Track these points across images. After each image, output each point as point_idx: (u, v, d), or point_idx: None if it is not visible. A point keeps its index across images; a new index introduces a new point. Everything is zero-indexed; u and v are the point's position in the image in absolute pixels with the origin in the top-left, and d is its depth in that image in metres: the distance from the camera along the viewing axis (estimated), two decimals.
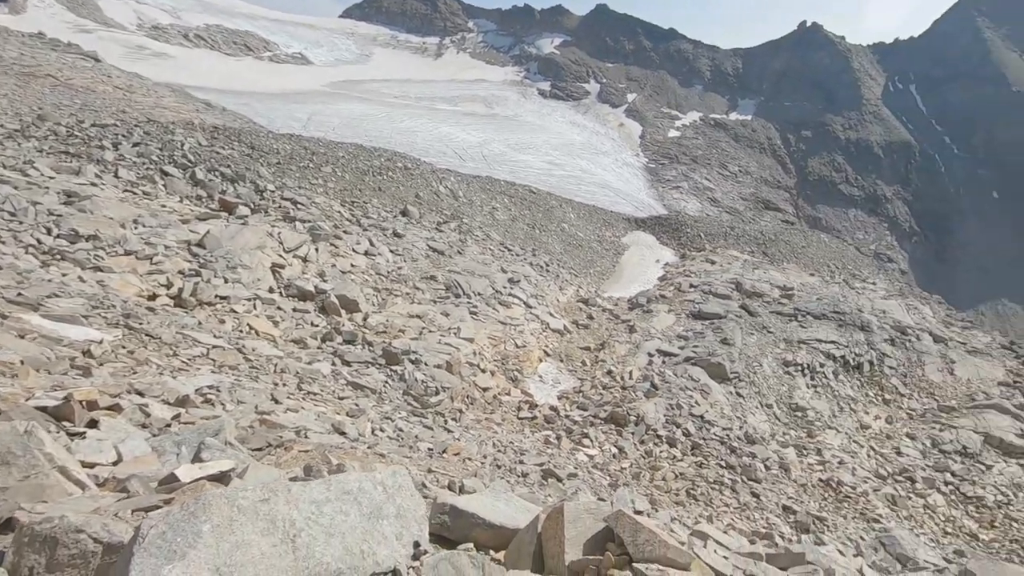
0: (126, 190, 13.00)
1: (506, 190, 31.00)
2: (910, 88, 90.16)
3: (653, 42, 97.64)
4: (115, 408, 3.14)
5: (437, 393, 9.70)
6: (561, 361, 14.70)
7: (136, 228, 10.81)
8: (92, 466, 2.47)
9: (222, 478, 2.29)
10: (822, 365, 15.89)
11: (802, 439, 12.95)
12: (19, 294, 5.03)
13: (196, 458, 2.57)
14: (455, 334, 12.55)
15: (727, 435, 11.52)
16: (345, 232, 15.62)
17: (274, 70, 72.62)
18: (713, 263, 27.33)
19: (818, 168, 74.84)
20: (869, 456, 12.91)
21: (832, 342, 16.95)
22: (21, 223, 8.90)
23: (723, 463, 10.33)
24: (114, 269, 8.81)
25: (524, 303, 16.51)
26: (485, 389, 11.40)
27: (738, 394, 13.90)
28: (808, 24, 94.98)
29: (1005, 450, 13.31)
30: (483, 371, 11.91)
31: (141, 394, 3.48)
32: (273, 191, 16.37)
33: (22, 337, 3.73)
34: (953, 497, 11.41)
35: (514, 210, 28.20)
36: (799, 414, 14.01)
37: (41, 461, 1.99)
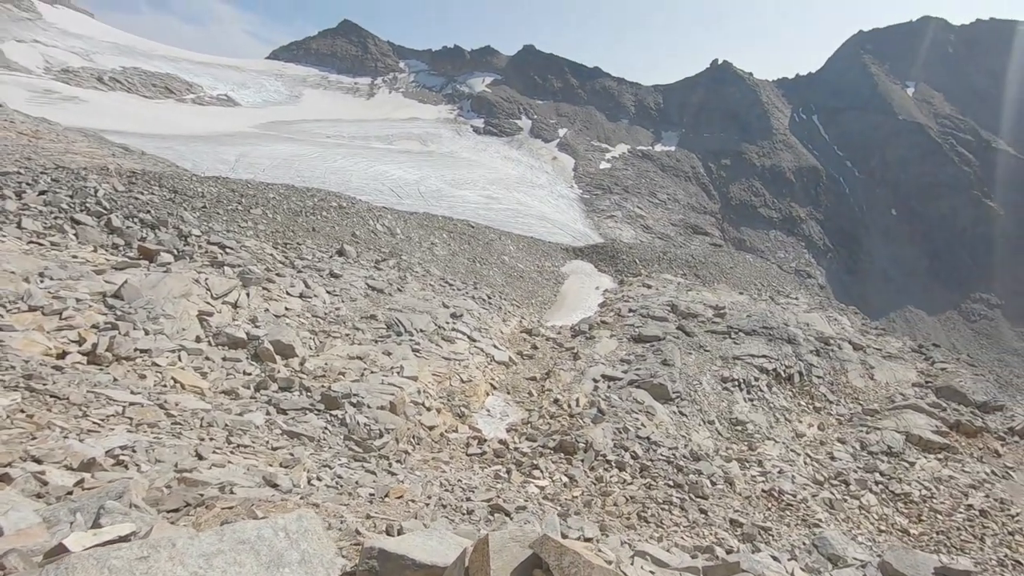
0: (31, 241, 12.08)
1: (444, 225, 31.09)
2: (813, 118, 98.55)
3: (579, 79, 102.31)
4: (3, 479, 2.81)
5: (381, 436, 9.38)
6: (508, 393, 14.61)
7: (42, 281, 10.03)
8: None
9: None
10: (756, 379, 16.60)
11: (744, 452, 13.37)
12: None
13: (94, 524, 2.32)
14: (398, 373, 12.26)
15: (673, 454, 11.73)
16: (278, 275, 15.09)
17: (198, 112, 70.47)
18: (649, 287, 28.26)
19: (739, 193, 79.72)
20: (806, 463, 13.48)
21: (764, 356, 17.78)
22: None
23: (671, 482, 10.48)
24: (15, 327, 8.08)
25: (468, 337, 16.40)
26: (431, 428, 11.13)
27: (681, 413, 14.25)
28: (719, 62, 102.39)
29: (924, 447, 14.26)
30: (429, 409, 11.65)
31: (38, 461, 3.13)
32: (199, 236, 15.66)
33: None
34: (884, 496, 12.04)
35: (453, 245, 28.25)
36: (739, 428, 14.50)
37: None
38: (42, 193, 14.54)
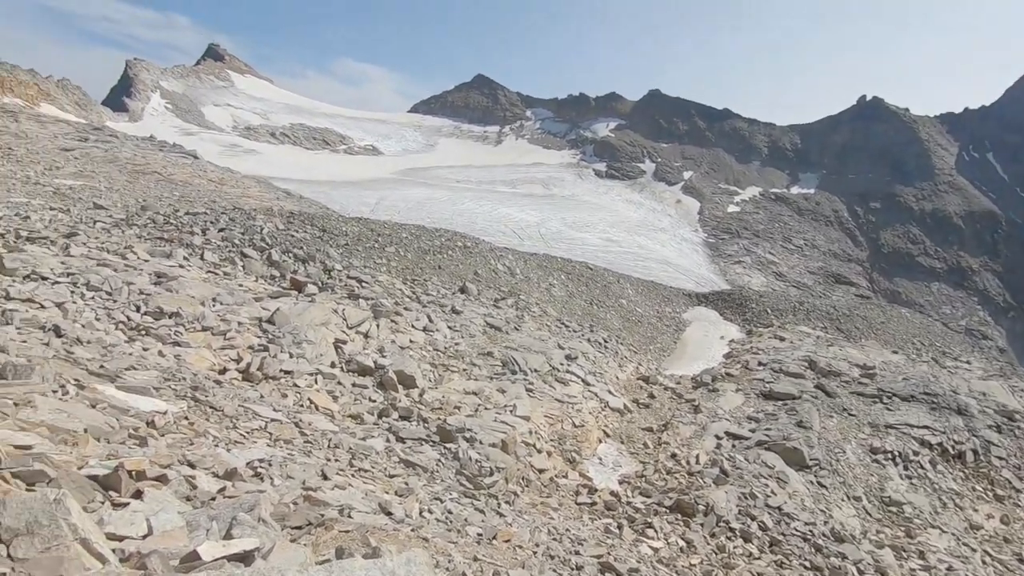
0: (209, 271, 14.04)
1: (563, 267, 31.28)
2: (988, 156, 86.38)
3: (708, 122, 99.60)
4: (162, 479, 3.19)
5: (491, 474, 9.37)
6: (622, 442, 13.99)
7: (214, 306, 11.54)
8: (121, 539, 2.45)
9: (245, 558, 2.21)
10: (916, 453, 14.30)
11: (900, 539, 11.44)
12: (101, 366, 5.39)
13: (227, 535, 2.52)
14: (511, 412, 12.28)
15: (810, 531, 10.35)
16: (405, 309, 16.04)
17: (348, 161, 78.99)
18: (782, 339, 25.94)
19: (892, 240, 71.47)
20: (985, 563, 11.18)
21: (926, 427, 15.32)
22: (115, 301, 9.71)
23: (807, 563, 9.20)
24: (191, 344, 9.34)
25: (582, 380, 16.09)
26: (541, 471, 10.92)
27: (820, 484, 12.62)
28: (868, 98, 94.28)
29: None
30: (539, 451, 11.47)
31: (192, 465, 3.53)
32: (340, 270, 17.23)
33: (93, 407, 3.95)
34: None
35: (571, 286, 28.25)
36: (894, 509, 12.48)
37: (65, 532, 1.99)
38: (221, 230, 16.96)
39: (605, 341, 21.60)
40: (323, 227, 20.48)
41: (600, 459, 12.76)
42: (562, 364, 16.46)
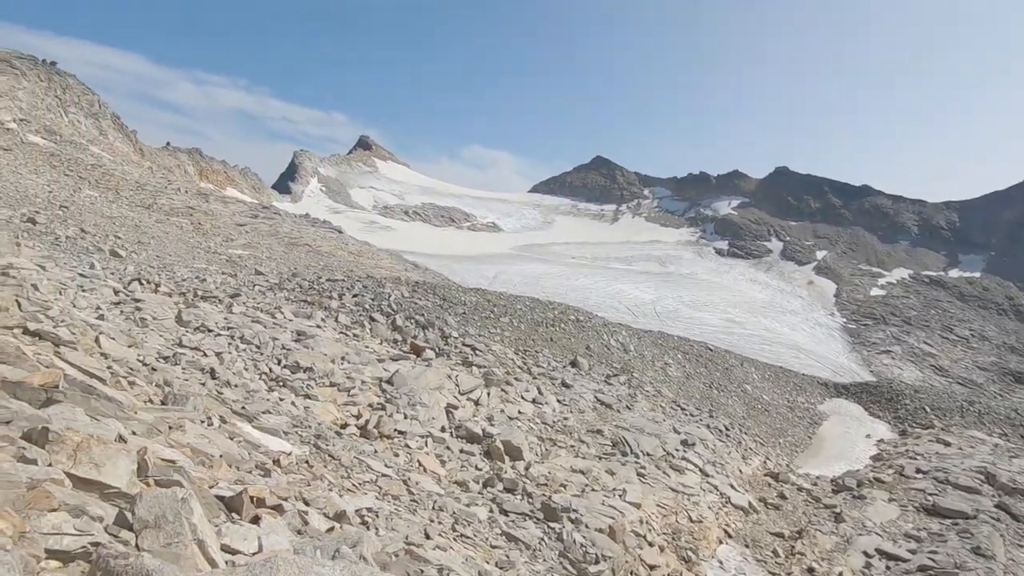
0: (341, 332, 15.28)
1: (680, 346, 29.84)
2: None
3: (844, 199, 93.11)
4: (278, 509, 3.36)
5: (597, 562, 8.71)
6: (746, 546, 12.41)
7: (343, 364, 12.43)
8: (234, 552, 2.61)
9: None
10: None
11: None
12: (243, 407, 5.97)
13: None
14: (620, 496, 11.51)
15: None
16: (516, 379, 16.10)
17: (471, 237, 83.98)
18: (948, 445, 22.11)
19: None
20: None
21: None
22: (262, 354, 10.84)
23: None
24: (319, 398, 10.06)
25: (700, 470, 14.77)
26: (652, 567, 9.95)
27: None
28: None
29: None
30: (650, 544, 10.51)
31: (307, 503, 3.70)
32: (456, 337, 17.89)
33: (231, 439, 4.36)
34: None
35: (689, 367, 26.73)
36: None
37: (186, 530, 2.14)
38: (355, 296, 18.55)
39: (727, 429, 19.86)
40: (444, 296, 21.62)
41: (720, 563, 11.39)
42: (678, 450, 15.31)
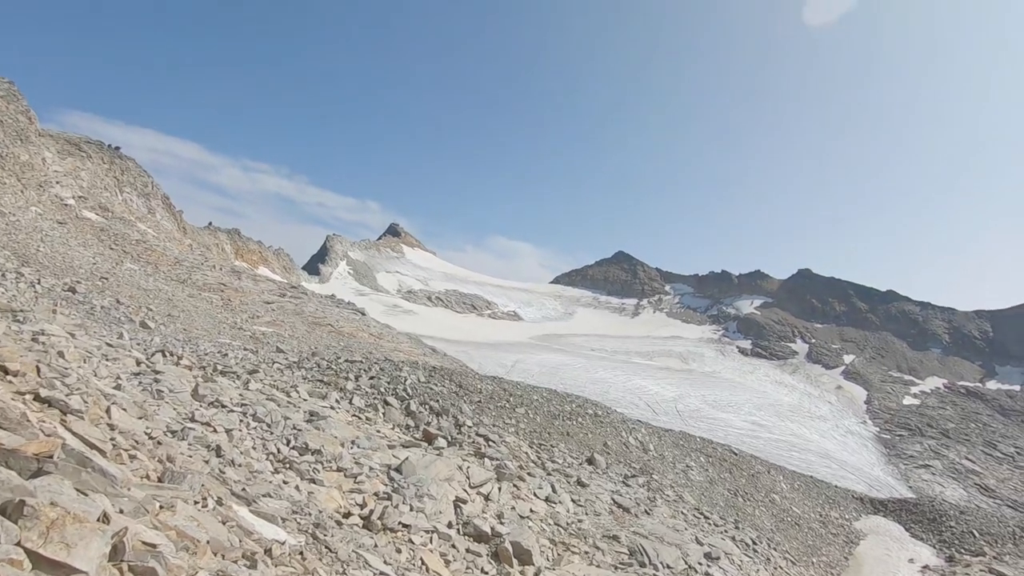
0: (354, 415, 15.03)
1: (702, 448, 28.51)
2: None
3: (869, 304, 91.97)
4: None
5: None
6: None
7: (352, 448, 12.10)
8: None
9: None
10: None
11: None
12: (243, 489, 5.75)
13: None
14: None
15: None
16: (529, 474, 15.41)
17: (491, 325, 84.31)
18: None
19: None
20: None
21: None
22: (272, 433, 10.65)
23: None
24: (325, 483, 9.70)
25: None
26: None
27: None
28: None
29: None
30: None
31: None
32: (470, 427, 17.42)
33: (223, 523, 4.14)
34: None
35: (712, 471, 25.34)
36: None
37: None
38: (371, 378, 18.44)
39: (754, 543, 18.41)
40: (460, 383, 21.35)
41: None
42: (700, 563, 14.15)
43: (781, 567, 17.83)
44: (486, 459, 15.09)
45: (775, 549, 19.21)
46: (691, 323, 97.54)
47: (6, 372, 4.48)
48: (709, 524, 18.42)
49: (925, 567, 22.47)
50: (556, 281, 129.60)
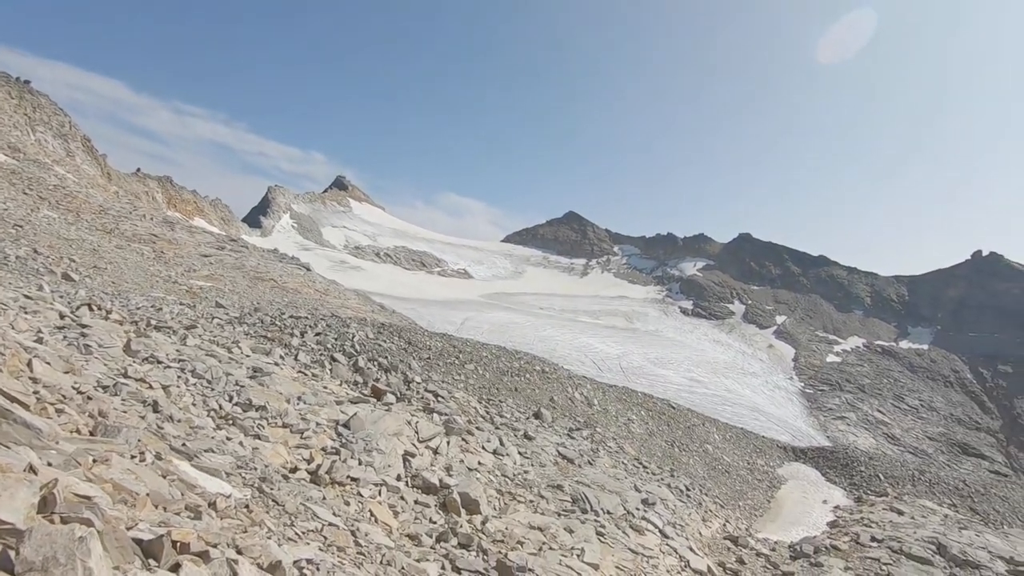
0: (299, 371, 14.75)
1: (643, 402, 29.85)
2: None
3: (802, 267, 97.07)
4: (204, 556, 3.06)
5: None
6: None
7: (298, 404, 11.92)
8: None
9: None
10: None
11: None
12: (183, 444, 5.58)
13: None
14: (578, 556, 11.11)
15: None
16: (478, 428, 15.71)
17: (441, 282, 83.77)
18: (901, 514, 22.34)
19: None
20: None
21: None
22: (213, 390, 10.32)
23: None
24: (270, 439, 9.55)
25: (660, 531, 14.47)
26: None
27: None
28: (985, 253, 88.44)
29: None
30: None
31: (239, 551, 3.37)
32: (419, 383, 17.48)
33: (163, 477, 4.01)
34: None
35: (651, 424, 26.66)
36: None
37: (79, 574, 1.89)
38: (317, 335, 18.06)
39: (687, 489, 19.67)
40: (409, 340, 21.26)
41: None
42: (638, 509, 15.01)
43: (711, 510, 19.17)
44: (435, 414, 15.24)
45: (706, 495, 20.60)
46: (637, 284, 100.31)
47: None
48: (647, 473, 19.49)
49: (836, 507, 24.75)
50: (507, 240, 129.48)
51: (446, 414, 15.51)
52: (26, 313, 9.48)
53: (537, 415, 19.82)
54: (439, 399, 16.86)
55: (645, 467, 20.07)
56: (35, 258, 17.89)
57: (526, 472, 14.48)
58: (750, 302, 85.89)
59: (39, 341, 7.22)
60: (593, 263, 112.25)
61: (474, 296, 76.08)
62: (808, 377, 63.35)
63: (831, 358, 69.35)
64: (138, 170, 63.69)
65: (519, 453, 15.56)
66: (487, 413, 17.84)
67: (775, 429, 43.16)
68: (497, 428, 16.62)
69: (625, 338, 62.34)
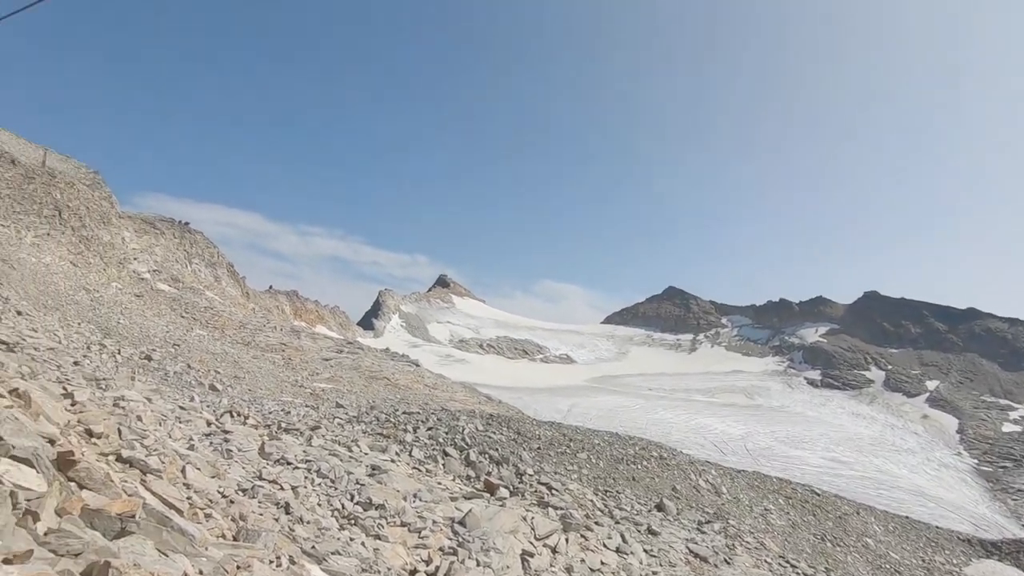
0: (415, 467, 14.94)
1: (780, 489, 26.65)
2: None
3: (949, 324, 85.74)
4: None
5: None
6: None
7: (414, 502, 11.95)
8: None
9: None
10: None
11: None
12: (313, 547, 5.71)
13: None
14: None
15: None
16: (596, 523, 14.74)
17: (544, 369, 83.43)
18: None
19: None
20: None
21: None
22: (336, 489, 10.67)
23: None
24: (389, 538, 9.56)
25: None
26: None
27: None
28: None
29: None
30: None
31: None
32: (531, 475, 16.97)
33: None
34: None
35: (793, 514, 23.55)
36: None
37: None
38: (429, 429, 18.40)
39: None
40: (518, 430, 20.99)
41: None
42: None
43: None
44: (550, 508, 14.57)
45: None
46: (752, 355, 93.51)
47: (91, 435, 4.70)
48: (797, 573, 16.97)
49: None
50: (607, 321, 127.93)
51: (562, 508, 14.78)
52: (180, 422, 10.59)
53: (660, 507, 18.31)
54: (553, 492, 16.18)
55: (794, 566, 17.52)
56: (188, 372, 20.26)
57: (655, 573, 13.17)
58: (890, 367, 76.37)
59: (191, 448, 7.96)
60: (701, 337, 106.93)
61: (579, 381, 74.66)
62: (981, 452, 53.72)
63: (1008, 427, 58.68)
64: (270, 287, 71.92)
65: (644, 551, 14.28)
66: (605, 506, 16.77)
67: (951, 517, 36.38)
68: (617, 522, 15.49)
69: (747, 416, 57.29)
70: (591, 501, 16.71)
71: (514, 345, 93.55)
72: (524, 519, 12.99)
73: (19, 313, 19.22)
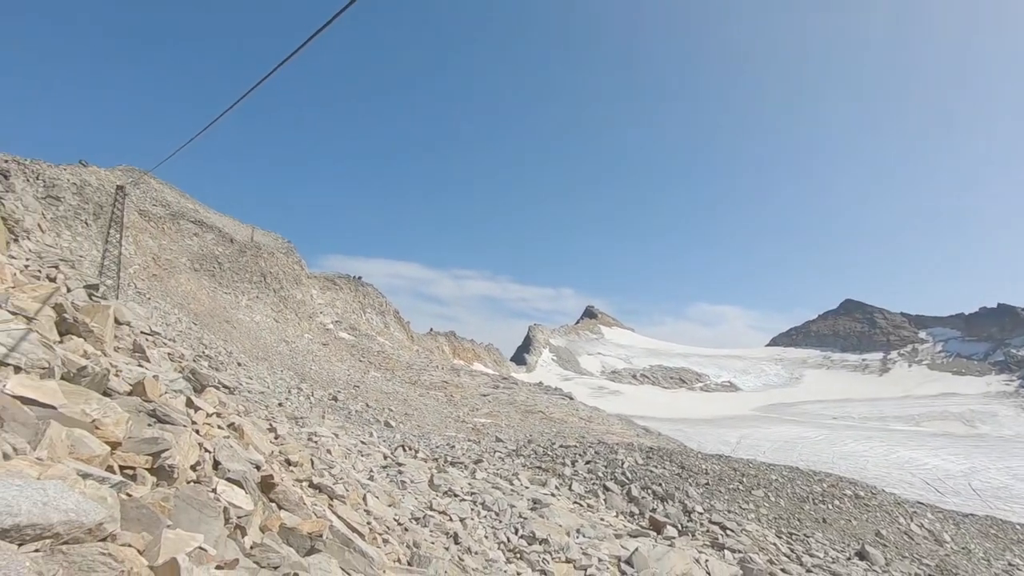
0: (575, 502, 14.73)
1: None
2: None
3: None
4: None
5: None
6: None
7: (578, 538, 11.73)
8: None
9: None
10: None
11: None
12: None
13: None
14: None
15: None
16: (783, 570, 13.11)
17: (705, 398, 78.12)
18: None
19: None
20: None
21: None
22: (500, 521, 10.89)
23: None
24: (555, 574, 9.44)
25: None
26: None
27: None
28: None
29: None
30: None
31: None
32: (701, 513, 15.74)
33: None
34: None
35: None
36: None
37: None
38: (587, 463, 18.09)
39: None
40: (682, 464, 19.75)
41: None
42: None
43: None
44: (726, 551, 13.32)
45: None
46: (967, 374, 78.17)
47: (289, 463, 5.38)
48: None
49: None
50: (773, 343, 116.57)
51: (739, 551, 13.43)
52: (362, 455, 11.71)
53: (861, 555, 15.76)
54: (727, 532, 14.80)
55: None
56: (367, 410, 22.46)
57: None
58: None
59: (371, 478, 8.75)
60: (894, 355, 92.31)
61: (745, 411, 68.50)
62: None
63: None
64: (431, 330, 77.75)
65: None
66: (791, 551, 14.88)
67: None
68: (808, 571, 13.63)
69: (969, 448, 47.64)
70: (774, 544, 14.98)
71: (669, 374, 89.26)
72: (697, 561, 12.04)
73: (239, 364, 23.08)
